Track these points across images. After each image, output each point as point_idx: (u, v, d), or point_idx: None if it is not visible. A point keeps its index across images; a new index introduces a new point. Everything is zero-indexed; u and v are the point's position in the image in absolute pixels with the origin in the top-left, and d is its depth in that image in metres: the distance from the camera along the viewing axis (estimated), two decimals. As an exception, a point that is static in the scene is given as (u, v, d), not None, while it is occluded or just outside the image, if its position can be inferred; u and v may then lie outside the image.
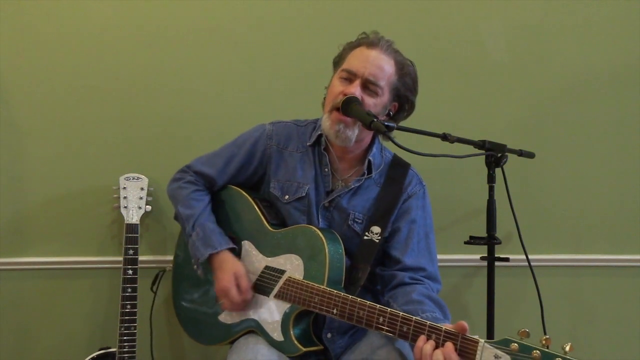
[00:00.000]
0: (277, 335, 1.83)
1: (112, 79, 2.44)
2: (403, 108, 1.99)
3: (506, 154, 2.16)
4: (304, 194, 1.98)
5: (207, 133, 2.45)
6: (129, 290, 2.22)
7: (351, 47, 1.94)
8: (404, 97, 1.95)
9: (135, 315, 2.21)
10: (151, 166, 2.43)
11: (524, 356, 1.39)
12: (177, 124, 2.47)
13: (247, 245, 2.01)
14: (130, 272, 2.23)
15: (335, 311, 1.71)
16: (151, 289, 2.39)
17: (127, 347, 2.20)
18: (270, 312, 1.86)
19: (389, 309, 1.63)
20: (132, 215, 2.30)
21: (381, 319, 1.63)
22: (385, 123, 1.81)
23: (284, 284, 1.85)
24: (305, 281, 1.80)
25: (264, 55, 2.49)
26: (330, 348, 1.90)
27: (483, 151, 2.15)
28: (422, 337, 1.55)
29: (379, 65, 1.87)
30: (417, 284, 1.87)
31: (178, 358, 2.54)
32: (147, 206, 2.35)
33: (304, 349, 1.80)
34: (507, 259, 2.21)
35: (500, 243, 2.21)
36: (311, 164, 2.01)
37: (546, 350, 1.39)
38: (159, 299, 2.45)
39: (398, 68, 1.90)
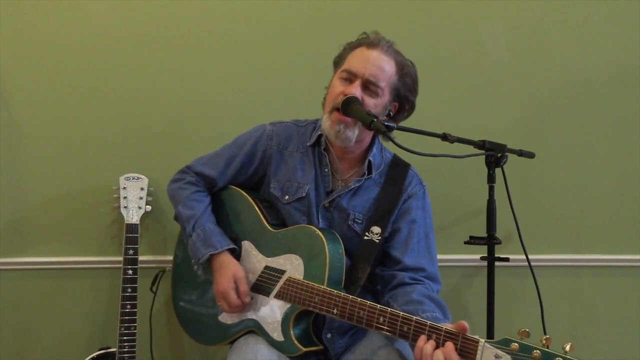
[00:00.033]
0: (277, 335, 1.83)
1: (112, 79, 2.44)
2: (403, 108, 1.99)
3: (506, 154, 2.16)
4: (304, 194, 1.98)
5: (207, 133, 2.45)
6: (129, 290, 2.22)
7: (351, 47, 1.93)
8: (404, 98, 1.95)
9: (135, 315, 2.21)
10: (151, 166, 2.43)
11: (525, 356, 1.39)
12: (177, 124, 2.47)
13: (247, 245, 2.01)
14: (130, 272, 2.23)
15: (335, 311, 1.71)
16: (151, 289, 2.39)
17: (127, 347, 2.20)
18: (271, 312, 1.86)
19: (389, 309, 1.63)
20: (132, 215, 2.30)
21: (381, 319, 1.63)
22: (385, 123, 1.81)
23: (284, 284, 1.85)
24: (306, 281, 1.80)
25: (264, 55, 2.49)
26: (330, 348, 1.90)
27: (483, 151, 2.15)
28: (423, 337, 1.55)
29: (380, 65, 1.87)
30: (417, 284, 1.87)
31: (178, 358, 2.54)
32: (147, 206, 2.35)
33: (304, 349, 1.80)
34: (507, 259, 2.21)
35: (500, 243, 2.21)
36: (311, 164, 2.01)
37: (546, 350, 1.39)
38: (159, 299, 2.45)
39: (398, 68, 1.90)
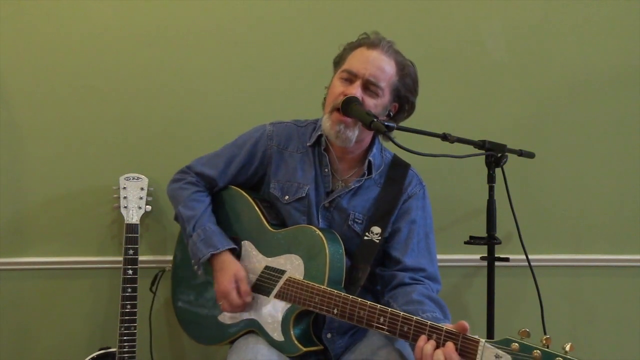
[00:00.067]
0: (277, 335, 1.83)
1: (112, 79, 2.44)
2: (403, 109, 1.99)
3: (506, 154, 2.16)
4: (304, 195, 1.98)
5: (207, 133, 2.45)
6: (129, 290, 2.22)
7: (352, 47, 1.93)
8: (404, 98, 1.95)
9: (135, 316, 2.21)
10: (151, 166, 2.43)
11: (525, 356, 1.40)
12: (177, 124, 2.47)
13: (247, 245, 2.01)
14: (130, 272, 2.23)
15: (335, 311, 1.71)
16: (150, 289, 2.39)
17: (127, 347, 2.20)
18: (271, 312, 1.86)
19: (390, 309, 1.63)
20: (132, 215, 2.30)
21: (382, 319, 1.63)
22: (385, 123, 1.81)
23: (284, 284, 1.85)
24: (306, 281, 1.80)
25: (264, 55, 2.49)
26: (330, 348, 1.90)
27: (483, 151, 2.15)
28: (423, 337, 1.55)
29: (380, 66, 1.87)
30: (417, 284, 1.87)
31: (178, 358, 2.54)
32: (147, 206, 2.35)
33: (304, 349, 1.80)
34: (507, 259, 2.21)
35: (500, 243, 2.21)
36: (311, 164, 2.01)
37: (547, 350, 1.39)
38: (159, 299, 2.45)
39: (399, 69, 1.90)
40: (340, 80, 1.90)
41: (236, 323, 1.95)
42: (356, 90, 1.85)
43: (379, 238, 1.91)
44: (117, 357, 2.21)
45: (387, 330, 1.62)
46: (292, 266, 1.87)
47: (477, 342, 1.47)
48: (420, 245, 1.96)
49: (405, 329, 1.58)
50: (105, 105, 2.44)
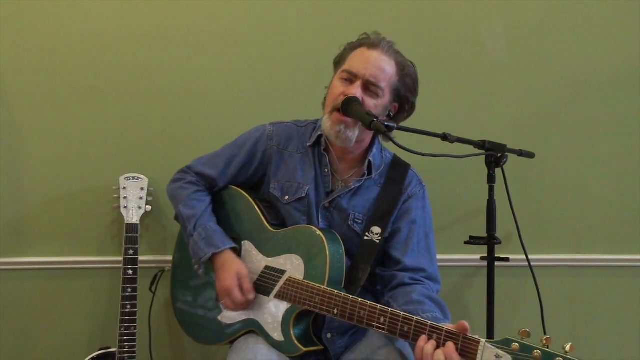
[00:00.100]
0: (278, 335, 1.83)
1: (112, 79, 2.44)
2: (403, 109, 1.99)
3: (506, 154, 2.16)
4: (304, 195, 1.98)
5: (207, 133, 2.45)
6: (129, 290, 2.22)
7: (352, 47, 1.93)
8: (404, 98, 1.95)
9: (135, 315, 2.21)
10: (151, 166, 2.42)
11: (525, 356, 1.40)
12: (177, 124, 2.47)
13: (247, 245, 2.01)
14: (130, 272, 2.23)
15: (336, 311, 1.71)
16: (150, 289, 2.39)
17: (127, 347, 2.20)
18: (271, 312, 1.86)
19: (390, 309, 1.63)
20: (132, 215, 2.30)
21: (382, 319, 1.63)
22: (385, 123, 1.81)
23: (285, 284, 1.85)
24: (306, 281, 1.80)
25: (264, 55, 2.49)
26: (330, 348, 1.90)
27: (483, 151, 2.15)
28: (424, 337, 1.55)
29: (380, 66, 1.87)
30: (417, 284, 1.87)
31: (178, 358, 2.54)
32: (147, 206, 2.35)
33: (304, 349, 1.80)
34: (507, 259, 2.21)
35: (500, 243, 2.21)
36: (311, 164, 2.01)
37: (547, 350, 1.39)
38: (159, 299, 2.45)
39: (399, 69, 1.90)
40: (341, 81, 1.90)
41: (236, 323, 1.94)
42: (356, 91, 1.85)
43: (379, 238, 1.91)
44: (117, 357, 2.21)
45: (388, 330, 1.62)
46: (292, 266, 1.87)
47: (478, 342, 1.47)
48: (420, 245, 1.96)
49: (406, 329, 1.58)
50: (105, 105, 2.44)
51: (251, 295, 1.88)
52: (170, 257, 2.25)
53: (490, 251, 2.21)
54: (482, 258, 2.25)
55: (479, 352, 1.46)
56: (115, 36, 2.43)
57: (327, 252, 1.80)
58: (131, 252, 2.25)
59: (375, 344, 1.87)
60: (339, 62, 1.96)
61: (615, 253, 2.61)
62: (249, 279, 1.90)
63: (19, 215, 2.42)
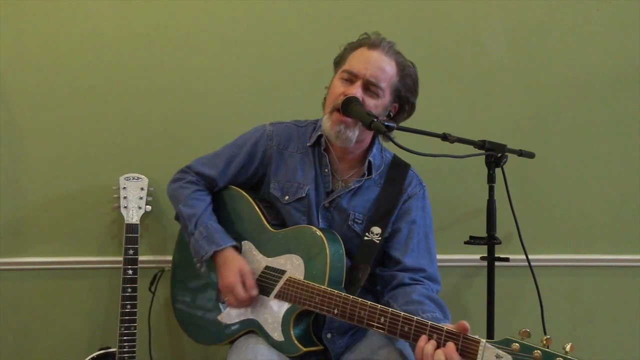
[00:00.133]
0: (278, 336, 1.83)
1: (112, 79, 2.44)
2: (403, 109, 1.99)
3: (506, 154, 2.16)
4: (303, 195, 1.98)
5: (207, 133, 2.45)
6: (129, 290, 2.22)
7: (352, 47, 1.93)
8: (404, 99, 1.95)
9: (135, 315, 2.21)
10: (151, 166, 2.42)
11: (525, 356, 1.40)
12: (177, 124, 2.47)
13: (247, 245, 2.01)
14: (130, 272, 2.23)
15: (336, 311, 1.71)
16: (149, 289, 2.39)
17: (127, 347, 2.20)
18: (271, 312, 1.86)
19: (390, 309, 1.63)
20: (132, 215, 2.30)
21: (382, 319, 1.63)
22: (385, 123, 1.81)
23: (285, 284, 1.85)
24: (306, 281, 1.80)
25: (264, 55, 2.49)
26: (330, 348, 1.90)
27: (483, 151, 2.15)
28: (424, 337, 1.55)
29: (380, 66, 1.87)
30: (416, 284, 1.87)
31: (178, 358, 2.54)
32: (147, 206, 2.35)
33: (305, 349, 1.80)
34: (507, 259, 2.21)
35: (500, 243, 2.21)
36: (311, 164, 2.01)
37: (547, 350, 1.39)
38: (159, 299, 2.45)
39: (399, 69, 1.90)
40: (341, 81, 1.90)
41: (236, 323, 1.95)
42: (356, 91, 1.85)
43: (379, 238, 1.91)
44: (117, 357, 2.21)
45: (388, 331, 1.62)
46: (293, 266, 1.87)
47: (478, 342, 1.47)
48: (420, 245, 1.96)
49: (406, 329, 1.58)
50: (105, 105, 2.44)
51: (254, 292, 1.88)
52: (170, 257, 2.25)
53: (490, 251, 2.21)
54: (482, 258, 2.25)
55: (479, 352, 1.46)
56: (115, 36, 2.43)
57: (327, 252, 1.80)
58: (131, 252, 2.25)
59: (375, 344, 1.87)
60: (339, 62, 1.96)
61: (615, 253, 2.61)
62: (251, 275, 1.90)
63: (19, 215, 2.42)
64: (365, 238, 1.92)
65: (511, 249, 2.41)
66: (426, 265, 1.93)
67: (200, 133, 2.46)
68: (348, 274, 1.86)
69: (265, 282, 1.90)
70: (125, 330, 2.20)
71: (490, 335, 2.20)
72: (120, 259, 2.25)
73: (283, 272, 1.88)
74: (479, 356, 1.46)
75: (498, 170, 2.17)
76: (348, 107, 1.83)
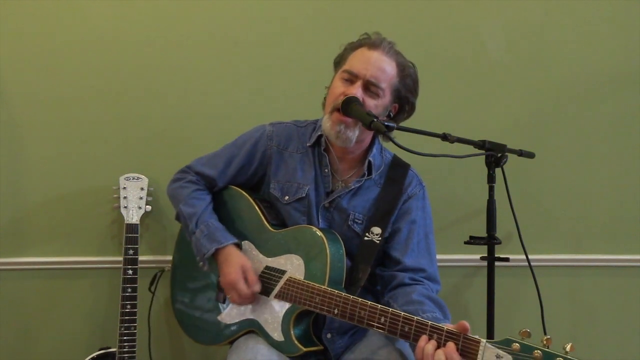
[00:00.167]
0: (278, 336, 1.83)
1: (112, 79, 2.43)
2: (403, 109, 1.99)
3: (506, 154, 2.16)
4: (303, 195, 1.98)
5: (207, 133, 2.45)
6: (129, 290, 2.22)
7: (353, 47, 1.93)
8: (404, 99, 1.95)
9: (135, 315, 2.21)
10: (151, 166, 2.42)
11: (526, 356, 1.40)
12: (177, 124, 2.47)
13: (247, 245, 2.01)
14: (130, 272, 2.23)
15: (336, 311, 1.71)
16: (149, 289, 2.39)
17: (127, 347, 2.20)
18: (271, 312, 1.86)
19: (390, 309, 1.63)
20: (132, 215, 2.30)
21: (382, 319, 1.63)
22: (385, 123, 1.81)
23: (285, 284, 1.85)
24: (306, 281, 1.80)
25: (264, 55, 2.49)
26: (330, 348, 1.90)
27: (483, 151, 2.15)
28: (424, 337, 1.55)
29: (381, 67, 1.87)
30: (416, 284, 1.87)
31: (178, 358, 2.53)
32: (147, 206, 2.35)
33: (305, 349, 1.80)
34: (507, 259, 2.21)
35: (500, 243, 2.21)
36: (311, 164, 2.01)
37: (547, 350, 1.39)
38: (159, 299, 2.45)
39: (399, 70, 1.90)
40: (341, 81, 1.90)
41: (236, 323, 1.95)
42: (357, 91, 1.85)
43: (379, 238, 1.91)
44: (117, 357, 2.21)
45: (388, 331, 1.62)
46: (293, 266, 1.87)
47: (478, 342, 1.47)
48: (420, 245, 1.96)
49: (406, 329, 1.58)
50: (105, 105, 2.44)
51: (257, 287, 1.88)
52: (170, 257, 2.25)
53: (490, 251, 2.21)
54: (482, 258, 2.25)
55: (480, 352, 1.46)
56: (115, 36, 2.43)
57: (328, 252, 1.80)
58: (131, 252, 2.25)
59: (375, 344, 1.87)
60: (339, 62, 1.96)
61: (615, 253, 2.61)
62: (253, 271, 1.90)
63: (19, 215, 2.42)
64: (365, 238, 1.92)
65: (511, 249, 2.41)
66: (426, 265, 1.93)
67: (200, 133, 2.46)
68: (348, 274, 1.86)
69: (266, 282, 1.90)
70: (125, 330, 2.20)
71: (490, 335, 2.20)
72: (120, 259, 2.25)
73: (283, 272, 1.88)
74: (479, 356, 1.46)
75: (498, 170, 2.17)
76: (348, 107, 1.83)
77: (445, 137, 2.06)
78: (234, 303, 1.94)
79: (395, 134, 1.88)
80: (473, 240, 2.26)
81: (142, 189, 2.34)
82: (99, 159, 2.44)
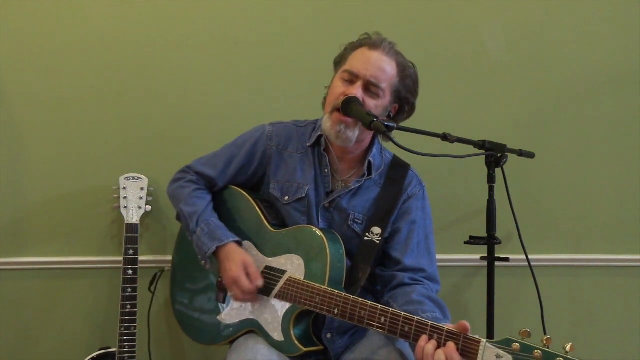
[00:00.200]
0: (278, 336, 1.83)
1: (112, 79, 2.43)
2: (403, 110, 1.99)
3: (506, 154, 2.16)
4: (303, 195, 1.98)
5: (207, 133, 2.45)
6: (129, 290, 2.22)
7: (353, 47, 1.93)
8: (404, 99, 1.95)
9: (135, 315, 2.21)
10: (151, 166, 2.42)
11: (526, 356, 1.40)
12: (177, 124, 2.47)
13: (247, 245, 2.01)
14: (130, 272, 2.23)
15: (336, 311, 1.71)
16: (149, 289, 2.39)
17: (127, 347, 2.20)
18: (271, 312, 1.86)
19: (391, 309, 1.63)
20: (132, 215, 2.30)
21: (382, 319, 1.63)
22: (385, 123, 1.81)
23: (285, 284, 1.85)
24: (306, 281, 1.80)
25: (264, 55, 2.49)
26: (330, 348, 1.90)
27: (483, 151, 2.15)
28: (424, 337, 1.55)
29: (381, 67, 1.87)
30: (416, 284, 1.88)
31: (178, 358, 2.53)
32: (147, 206, 2.34)
33: (305, 349, 1.80)
34: (507, 259, 2.21)
35: (500, 243, 2.21)
36: (311, 164, 2.01)
37: (547, 350, 1.39)
38: (158, 300, 2.45)
39: (400, 70, 1.90)
40: (341, 81, 1.90)
41: (236, 323, 1.94)
42: (357, 91, 1.85)
43: (379, 238, 1.91)
44: (117, 357, 2.21)
45: (388, 331, 1.62)
46: (293, 266, 1.87)
47: (479, 342, 1.48)
48: (420, 245, 1.96)
49: (407, 329, 1.58)
50: (105, 105, 2.44)
51: (259, 282, 1.87)
52: (170, 257, 2.25)
53: (490, 251, 2.21)
54: (482, 258, 2.25)
55: (480, 352, 1.46)
56: (115, 36, 2.43)
57: (328, 252, 1.80)
58: (131, 252, 2.24)
59: (376, 344, 1.87)
60: (339, 62, 1.96)
61: (615, 253, 2.61)
62: (256, 267, 1.89)
63: (19, 215, 2.42)
64: (365, 238, 1.92)
65: (511, 249, 2.41)
66: (426, 265, 1.93)
67: (200, 133, 2.46)
68: (348, 274, 1.85)
69: (266, 282, 1.90)
70: (125, 330, 2.20)
71: (490, 335, 2.20)
72: (120, 259, 2.25)
73: (283, 272, 1.88)
74: (479, 356, 1.46)
75: (498, 170, 2.17)
76: (348, 107, 1.83)
77: (445, 137, 2.06)
78: (237, 300, 1.93)
79: (395, 134, 1.88)
80: (473, 240, 2.26)
81: (142, 189, 2.34)
82: (99, 159, 2.44)
